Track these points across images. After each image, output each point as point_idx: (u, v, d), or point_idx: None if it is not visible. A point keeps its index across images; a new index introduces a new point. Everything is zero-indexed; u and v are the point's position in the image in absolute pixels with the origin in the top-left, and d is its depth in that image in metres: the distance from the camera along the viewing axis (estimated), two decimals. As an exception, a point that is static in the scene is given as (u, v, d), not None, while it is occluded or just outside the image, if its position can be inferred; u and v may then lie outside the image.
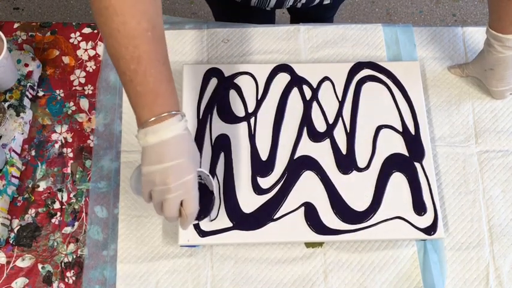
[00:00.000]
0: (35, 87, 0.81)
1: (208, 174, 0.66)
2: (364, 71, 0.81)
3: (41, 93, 0.82)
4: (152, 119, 0.58)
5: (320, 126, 0.78)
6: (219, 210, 0.72)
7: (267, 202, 0.73)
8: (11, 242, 0.74)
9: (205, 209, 0.66)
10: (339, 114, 0.79)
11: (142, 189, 0.62)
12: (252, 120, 0.78)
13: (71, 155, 0.78)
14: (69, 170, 0.77)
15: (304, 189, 0.74)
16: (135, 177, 0.68)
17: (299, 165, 0.75)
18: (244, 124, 0.77)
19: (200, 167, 0.67)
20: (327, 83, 0.80)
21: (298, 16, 1.13)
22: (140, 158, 0.79)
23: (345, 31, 0.86)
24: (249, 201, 0.73)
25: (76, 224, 0.75)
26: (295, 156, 0.76)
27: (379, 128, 0.78)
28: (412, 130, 0.78)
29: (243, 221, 0.72)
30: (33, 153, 0.78)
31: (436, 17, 1.79)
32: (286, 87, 0.80)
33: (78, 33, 0.86)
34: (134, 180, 0.68)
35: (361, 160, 0.76)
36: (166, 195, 0.59)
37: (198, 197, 0.62)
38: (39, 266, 0.73)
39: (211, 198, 0.67)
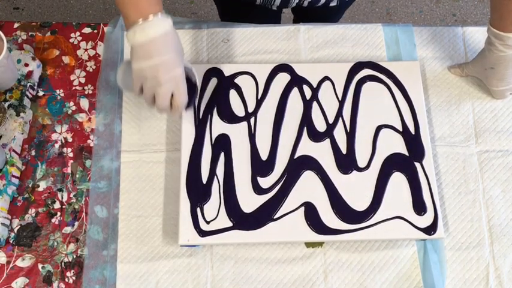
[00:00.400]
0: (35, 87, 0.81)
1: (191, 67, 0.71)
2: (364, 71, 0.81)
3: (41, 93, 0.82)
4: (140, 19, 0.62)
5: (320, 126, 0.78)
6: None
7: (267, 202, 0.73)
8: (11, 242, 0.74)
9: (189, 99, 0.70)
10: (339, 114, 0.79)
11: (133, 84, 0.67)
12: (252, 120, 0.78)
13: (71, 155, 0.78)
14: (69, 170, 0.77)
15: (304, 189, 0.74)
16: (122, 73, 0.72)
17: (299, 165, 0.75)
18: (244, 124, 0.77)
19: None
20: (327, 83, 0.80)
21: (301, 16, 1.12)
22: (139, 157, 0.79)
23: (345, 31, 0.86)
24: (249, 201, 0.73)
25: (76, 224, 0.75)
26: (295, 156, 0.76)
27: (379, 128, 0.78)
28: (412, 130, 0.78)
29: (243, 221, 0.72)
30: (33, 153, 0.78)
31: (436, 17, 1.79)
32: (286, 87, 0.80)
33: (78, 33, 0.86)
34: (122, 75, 0.72)
35: (361, 160, 0.76)
36: (157, 88, 0.65)
37: (186, 89, 0.67)
38: (39, 265, 0.73)
39: (194, 89, 0.72)
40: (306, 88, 0.80)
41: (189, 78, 0.71)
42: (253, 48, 0.85)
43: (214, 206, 0.72)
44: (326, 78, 0.81)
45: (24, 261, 0.73)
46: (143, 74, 0.65)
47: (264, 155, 0.76)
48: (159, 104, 0.67)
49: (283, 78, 0.80)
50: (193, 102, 0.74)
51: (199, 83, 0.74)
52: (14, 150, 0.76)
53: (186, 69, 0.69)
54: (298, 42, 0.86)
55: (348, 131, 0.78)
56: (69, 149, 0.79)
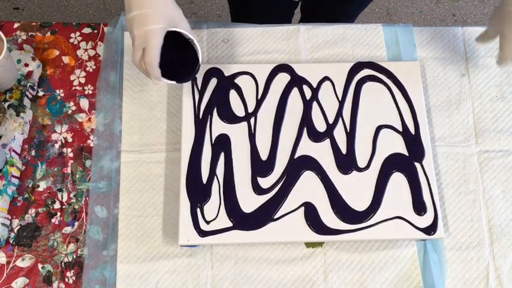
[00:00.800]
0: (35, 87, 0.81)
1: (193, 38, 0.70)
2: (364, 71, 0.81)
3: (41, 93, 0.82)
4: None
5: (320, 126, 0.78)
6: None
7: (267, 202, 0.73)
8: (11, 242, 0.74)
9: (191, 71, 0.72)
10: (339, 114, 0.79)
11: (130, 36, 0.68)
12: (252, 120, 0.78)
13: (71, 155, 0.78)
14: (69, 170, 0.77)
15: (304, 189, 0.74)
16: None
17: (299, 165, 0.75)
18: (244, 124, 0.77)
19: (184, 42, 0.71)
20: (327, 83, 0.80)
21: (310, 16, 1.10)
22: (139, 157, 0.79)
23: (345, 31, 0.86)
24: (249, 201, 0.73)
25: (76, 224, 0.75)
26: (295, 156, 0.76)
27: (379, 128, 0.78)
28: (412, 130, 0.78)
29: (243, 221, 0.72)
30: (33, 153, 0.78)
31: (436, 17, 1.79)
32: (286, 87, 0.80)
33: (78, 33, 0.86)
34: None
35: (361, 160, 0.76)
36: (133, 42, 0.65)
37: (159, 49, 0.65)
38: (39, 266, 0.73)
39: (196, 63, 0.72)
40: (306, 88, 0.80)
41: (194, 50, 0.72)
42: (253, 48, 0.85)
43: (214, 206, 0.72)
44: (326, 78, 0.81)
45: (24, 261, 0.73)
46: (127, 25, 0.66)
47: (264, 155, 0.76)
48: (132, 58, 0.67)
49: (283, 78, 0.80)
50: (193, 75, 0.74)
51: (201, 57, 0.74)
52: (14, 150, 0.76)
53: (188, 40, 0.70)
54: (298, 42, 0.86)
55: (348, 131, 0.78)
56: (69, 149, 0.79)
